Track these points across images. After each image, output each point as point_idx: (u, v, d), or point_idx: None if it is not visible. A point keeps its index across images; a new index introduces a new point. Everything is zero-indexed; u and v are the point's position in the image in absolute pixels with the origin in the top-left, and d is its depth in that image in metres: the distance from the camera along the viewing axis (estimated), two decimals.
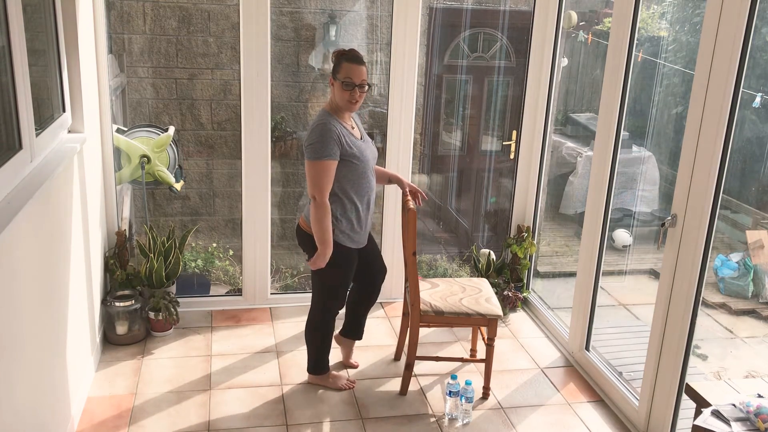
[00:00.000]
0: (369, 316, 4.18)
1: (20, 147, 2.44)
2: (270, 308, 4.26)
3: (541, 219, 4.66)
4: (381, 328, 4.08)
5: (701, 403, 2.41)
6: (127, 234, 4.08)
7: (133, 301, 3.71)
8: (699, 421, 2.28)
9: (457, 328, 4.03)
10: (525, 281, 4.48)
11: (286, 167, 5.22)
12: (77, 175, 3.16)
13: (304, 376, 3.52)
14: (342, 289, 3.29)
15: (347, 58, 3.03)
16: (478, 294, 3.45)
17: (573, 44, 5.24)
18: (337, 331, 3.63)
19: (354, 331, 3.59)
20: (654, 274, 4.85)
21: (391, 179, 3.51)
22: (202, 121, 5.01)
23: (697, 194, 2.75)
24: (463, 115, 5.66)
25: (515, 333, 4.14)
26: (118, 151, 3.99)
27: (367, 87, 3.07)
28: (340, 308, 3.35)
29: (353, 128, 3.15)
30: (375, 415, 3.25)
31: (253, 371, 3.58)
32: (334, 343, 3.55)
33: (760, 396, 2.37)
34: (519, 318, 4.34)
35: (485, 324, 3.33)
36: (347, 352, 3.64)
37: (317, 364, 3.43)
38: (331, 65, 3.11)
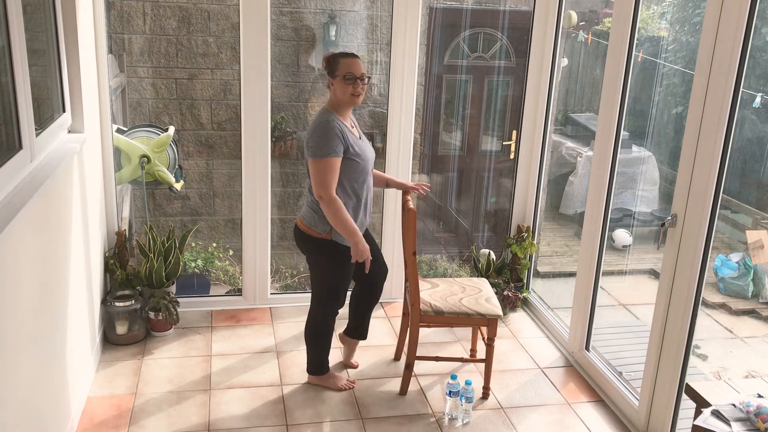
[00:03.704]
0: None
1: (20, 147, 2.44)
2: (270, 308, 4.26)
3: (541, 219, 4.66)
4: (381, 328, 4.08)
5: (701, 403, 2.41)
6: (127, 234, 4.08)
7: (133, 301, 3.71)
8: (699, 421, 2.28)
9: (457, 328, 4.03)
10: (525, 281, 4.48)
11: (286, 167, 5.22)
12: (77, 175, 3.16)
13: (305, 376, 3.52)
14: (342, 288, 3.28)
15: (341, 55, 3.07)
16: (478, 294, 3.45)
17: (573, 44, 5.25)
18: (341, 330, 3.64)
19: (357, 331, 3.58)
20: (654, 274, 4.85)
21: (389, 183, 3.50)
22: (202, 121, 5.01)
23: (697, 194, 2.75)
24: (463, 115, 5.66)
25: (515, 333, 4.14)
26: (118, 151, 3.99)
27: (367, 79, 3.08)
28: (340, 308, 3.34)
29: (352, 127, 3.16)
30: (375, 415, 3.25)
31: (253, 371, 3.58)
32: (335, 343, 3.55)
33: (760, 396, 2.37)
34: (519, 318, 4.34)
35: (485, 324, 3.33)
36: (349, 352, 3.64)
37: (318, 365, 3.43)
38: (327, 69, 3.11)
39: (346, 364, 3.64)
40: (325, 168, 2.96)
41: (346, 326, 3.62)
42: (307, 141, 3.02)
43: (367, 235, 3.35)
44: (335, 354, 3.62)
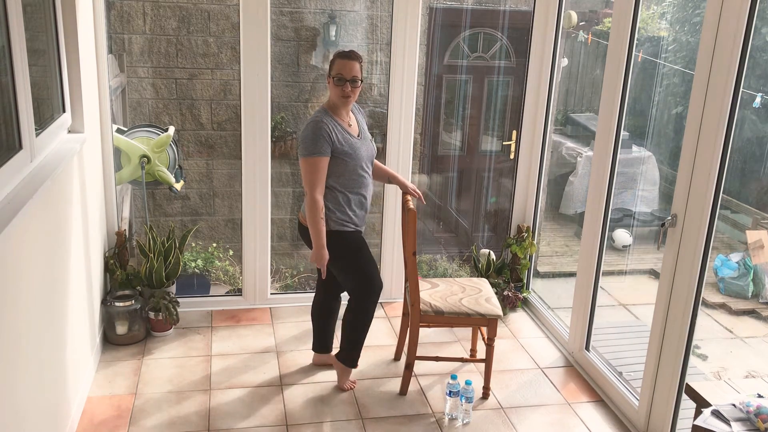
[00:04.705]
0: None
1: (20, 147, 2.44)
2: (270, 308, 4.26)
3: (541, 219, 4.66)
4: (381, 328, 4.08)
5: (701, 403, 2.41)
6: (127, 234, 4.08)
7: (133, 301, 3.71)
8: (699, 421, 2.28)
9: (457, 328, 4.03)
10: (525, 281, 4.48)
11: (286, 167, 5.22)
12: (77, 175, 3.16)
13: (305, 376, 3.52)
14: (372, 269, 3.25)
15: (339, 55, 3.08)
16: (478, 294, 3.45)
17: (573, 44, 5.25)
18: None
19: (321, 343, 3.58)
20: (654, 274, 4.85)
21: (391, 179, 3.51)
22: (202, 121, 5.01)
23: (697, 194, 2.75)
24: (463, 115, 5.66)
25: (515, 333, 4.14)
26: (118, 151, 3.99)
27: (359, 82, 3.08)
28: (378, 291, 3.28)
29: (350, 125, 3.16)
30: (375, 415, 3.25)
31: (253, 371, 3.58)
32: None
33: (760, 396, 2.37)
34: (519, 318, 4.34)
35: (485, 324, 3.33)
36: (323, 362, 3.62)
37: (355, 358, 3.39)
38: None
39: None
40: (310, 166, 3.01)
41: (312, 342, 3.62)
42: (298, 138, 3.03)
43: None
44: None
